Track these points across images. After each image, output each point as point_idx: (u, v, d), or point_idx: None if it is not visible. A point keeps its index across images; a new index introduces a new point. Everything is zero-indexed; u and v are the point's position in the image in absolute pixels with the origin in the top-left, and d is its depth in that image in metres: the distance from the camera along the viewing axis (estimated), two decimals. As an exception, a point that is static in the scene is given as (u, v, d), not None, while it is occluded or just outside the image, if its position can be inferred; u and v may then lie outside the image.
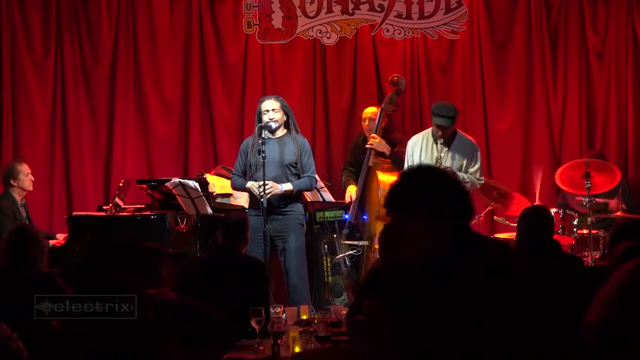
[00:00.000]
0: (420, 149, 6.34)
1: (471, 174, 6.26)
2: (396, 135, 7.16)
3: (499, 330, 2.23)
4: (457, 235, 2.37)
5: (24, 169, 6.98)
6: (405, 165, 6.45)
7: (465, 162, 6.27)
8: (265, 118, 6.35)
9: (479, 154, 6.38)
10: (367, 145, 6.87)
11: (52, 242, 6.90)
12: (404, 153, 6.75)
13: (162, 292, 3.23)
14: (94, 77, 8.16)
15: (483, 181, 6.40)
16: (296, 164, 6.38)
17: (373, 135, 6.89)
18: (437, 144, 6.20)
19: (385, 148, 6.87)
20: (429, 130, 6.39)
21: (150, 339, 2.37)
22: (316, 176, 6.69)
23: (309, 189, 6.72)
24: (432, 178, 2.45)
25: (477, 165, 6.32)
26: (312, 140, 7.86)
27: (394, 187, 2.47)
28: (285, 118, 6.43)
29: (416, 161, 6.34)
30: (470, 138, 6.46)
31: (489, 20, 8.00)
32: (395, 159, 6.85)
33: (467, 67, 7.99)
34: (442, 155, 6.17)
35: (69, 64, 8.13)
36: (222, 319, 2.71)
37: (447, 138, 6.23)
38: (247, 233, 5.06)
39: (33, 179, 7.07)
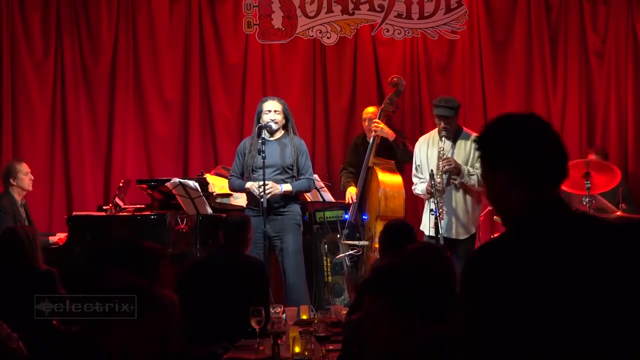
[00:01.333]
0: (427, 146, 6.35)
1: (477, 168, 6.25)
2: (398, 134, 7.17)
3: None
4: (536, 198, 2.17)
5: (23, 169, 6.98)
6: (413, 166, 6.45)
7: (471, 156, 6.26)
8: (266, 118, 6.36)
9: None
10: (372, 128, 6.88)
11: (51, 238, 6.90)
12: (406, 145, 6.79)
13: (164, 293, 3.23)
14: (94, 77, 8.16)
15: None
16: (293, 166, 6.38)
17: (376, 120, 6.90)
18: (442, 140, 6.21)
19: (389, 134, 6.88)
20: (435, 130, 6.40)
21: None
22: (314, 177, 6.70)
23: (307, 191, 6.72)
24: (521, 132, 2.26)
25: None
26: (312, 140, 7.86)
27: (480, 138, 2.31)
28: (284, 121, 6.44)
29: (423, 159, 6.34)
30: (476, 134, 6.45)
31: (489, 20, 8.00)
32: (399, 146, 6.84)
33: (467, 67, 7.99)
34: (446, 147, 6.17)
35: (69, 64, 8.13)
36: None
37: (451, 133, 6.22)
38: (249, 233, 5.05)
39: (32, 178, 7.07)
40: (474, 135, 6.39)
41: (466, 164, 6.22)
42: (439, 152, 6.17)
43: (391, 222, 4.92)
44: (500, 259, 2.10)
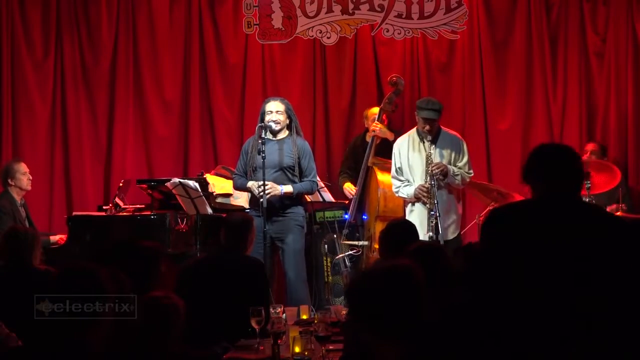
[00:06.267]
0: (407, 149, 6.31)
1: (460, 167, 6.25)
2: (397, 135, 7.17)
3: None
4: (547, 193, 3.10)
5: (21, 168, 6.97)
6: (393, 168, 6.41)
7: (453, 156, 6.27)
8: (268, 119, 6.35)
9: (465, 147, 6.35)
10: (371, 128, 6.92)
11: (52, 238, 6.90)
12: None
13: (167, 294, 3.24)
14: (94, 77, 8.15)
15: (472, 174, 6.38)
16: (294, 167, 6.37)
17: (375, 122, 6.91)
18: (423, 142, 6.19)
19: (388, 134, 6.93)
20: (413, 130, 6.36)
21: None
22: (317, 180, 6.67)
23: (310, 193, 6.68)
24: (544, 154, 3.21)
25: (465, 159, 6.31)
26: (312, 140, 7.86)
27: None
28: (288, 121, 6.43)
29: (404, 162, 6.31)
30: (455, 133, 6.45)
31: (489, 20, 8.00)
32: None
33: (467, 67, 7.99)
34: (432, 152, 6.17)
35: (69, 64, 8.12)
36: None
37: (433, 134, 6.21)
38: (250, 234, 5.03)
39: (31, 178, 7.05)
40: (454, 134, 6.39)
41: (449, 163, 6.22)
42: (427, 157, 6.14)
43: (393, 222, 4.90)
44: (507, 214, 3.20)
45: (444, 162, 6.17)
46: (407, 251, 3.63)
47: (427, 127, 6.14)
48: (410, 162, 6.27)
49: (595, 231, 3.03)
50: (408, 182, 6.26)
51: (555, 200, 3.09)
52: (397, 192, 6.36)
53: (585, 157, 7.02)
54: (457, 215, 6.32)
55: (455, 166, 6.23)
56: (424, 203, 6.11)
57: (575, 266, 2.95)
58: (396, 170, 6.36)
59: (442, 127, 6.38)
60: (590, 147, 7.37)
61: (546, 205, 3.10)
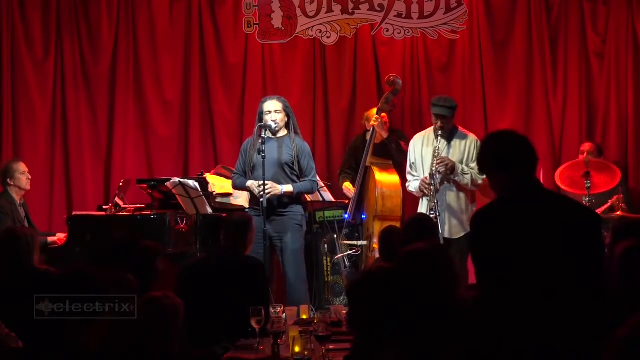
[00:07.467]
0: (422, 144, 6.37)
1: (472, 168, 6.26)
2: (395, 134, 7.16)
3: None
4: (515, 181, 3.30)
5: (20, 168, 6.97)
6: (408, 164, 6.47)
7: (466, 155, 6.29)
8: (267, 119, 6.35)
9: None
10: (371, 123, 6.94)
11: (51, 239, 6.90)
12: (400, 145, 6.80)
13: (166, 294, 3.24)
14: (94, 77, 8.15)
15: (484, 176, 6.36)
16: (293, 164, 6.37)
17: (376, 116, 6.92)
18: (437, 139, 6.23)
19: (383, 132, 6.95)
20: (431, 128, 6.42)
21: None
22: (317, 180, 6.68)
23: (310, 193, 6.70)
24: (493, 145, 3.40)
25: None
26: (312, 140, 7.86)
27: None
28: (286, 119, 6.43)
29: (417, 157, 6.38)
30: (472, 134, 6.47)
31: (489, 20, 8.00)
32: (392, 145, 6.88)
33: (467, 67, 7.99)
34: (441, 146, 6.19)
35: (69, 64, 8.12)
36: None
37: (447, 132, 6.24)
38: (250, 234, 5.04)
39: (30, 177, 7.04)
40: (470, 135, 6.41)
41: (461, 162, 6.23)
42: (434, 151, 6.18)
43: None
44: (488, 214, 3.43)
45: (456, 159, 6.19)
46: (404, 252, 3.63)
47: (439, 124, 6.21)
48: (423, 158, 6.32)
49: (570, 221, 3.24)
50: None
51: (523, 195, 3.31)
52: (408, 186, 6.44)
53: (581, 158, 7.01)
54: (467, 216, 6.29)
55: (468, 166, 6.24)
56: (427, 196, 6.15)
57: (560, 260, 3.15)
58: (410, 166, 6.45)
59: (459, 127, 6.42)
60: (586, 147, 7.33)
61: (518, 202, 3.30)
